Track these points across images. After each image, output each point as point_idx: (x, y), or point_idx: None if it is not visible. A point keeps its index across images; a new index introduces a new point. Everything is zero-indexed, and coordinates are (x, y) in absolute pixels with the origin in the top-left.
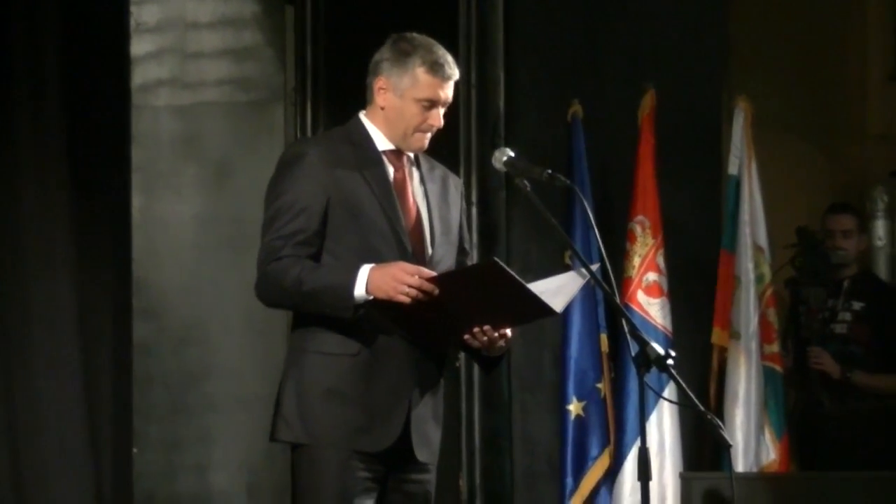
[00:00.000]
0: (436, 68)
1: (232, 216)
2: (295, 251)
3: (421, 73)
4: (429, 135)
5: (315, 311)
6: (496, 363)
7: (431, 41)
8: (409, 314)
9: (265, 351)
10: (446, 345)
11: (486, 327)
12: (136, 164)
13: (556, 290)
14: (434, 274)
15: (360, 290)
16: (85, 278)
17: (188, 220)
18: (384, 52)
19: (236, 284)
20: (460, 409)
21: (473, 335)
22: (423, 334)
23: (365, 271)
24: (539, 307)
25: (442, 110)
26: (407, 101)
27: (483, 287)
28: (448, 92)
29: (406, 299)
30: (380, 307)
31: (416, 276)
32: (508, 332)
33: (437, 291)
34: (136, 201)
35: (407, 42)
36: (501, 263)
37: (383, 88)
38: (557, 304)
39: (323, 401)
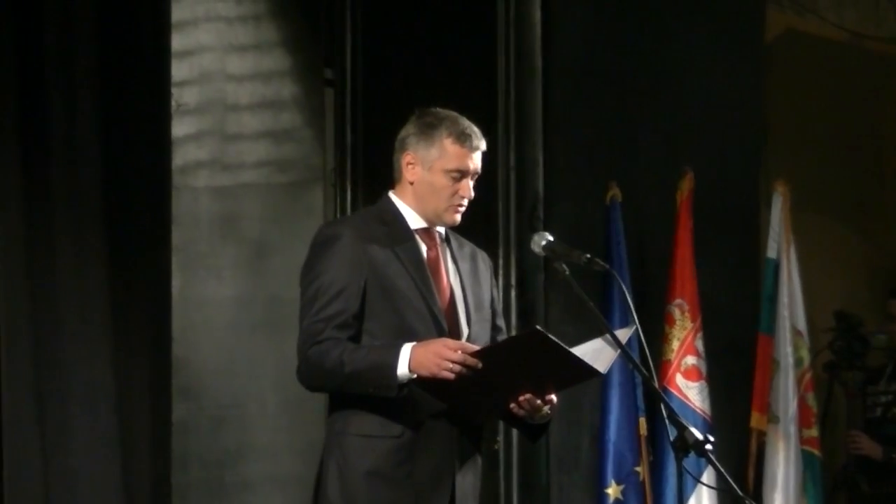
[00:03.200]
0: (463, 138)
1: (270, 297)
2: (335, 333)
3: (448, 143)
4: (462, 209)
5: (358, 391)
6: (542, 431)
7: (455, 113)
8: (452, 388)
9: (301, 431)
10: (490, 416)
11: (529, 395)
12: (176, 245)
13: (597, 353)
14: (477, 348)
15: (403, 369)
16: (123, 357)
17: (226, 300)
18: (409, 128)
19: (273, 364)
20: (499, 490)
21: (518, 404)
22: (467, 406)
23: (407, 350)
24: (583, 370)
25: (471, 182)
26: (436, 174)
27: (526, 356)
28: (477, 162)
29: (450, 375)
30: (423, 384)
31: (459, 352)
32: (553, 397)
33: (480, 365)
34: (176, 281)
35: (432, 115)
36: (543, 331)
37: (411, 163)
38: (601, 366)
39: (368, 483)
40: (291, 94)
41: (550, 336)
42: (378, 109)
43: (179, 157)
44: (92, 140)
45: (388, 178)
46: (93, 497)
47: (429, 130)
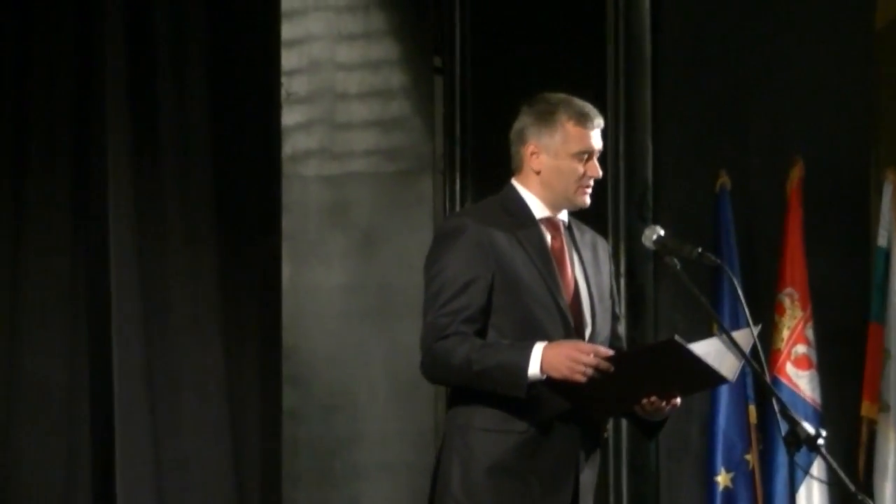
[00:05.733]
0: (583, 119)
1: (379, 285)
2: (461, 328)
3: (570, 126)
4: (590, 189)
5: (486, 389)
6: (658, 428)
7: (566, 95)
8: (581, 390)
9: (411, 418)
10: (614, 415)
11: (654, 398)
12: (286, 233)
13: (720, 356)
14: (610, 352)
15: (534, 370)
16: (234, 345)
17: (336, 288)
18: (525, 118)
19: (383, 352)
20: (608, 477)
21: (642, 406)
22: (592, 406)
23: (538, 350)
24: (712, 377)
25: (596, 160)
26: (563, 159)
27: (659, 363)
28: (598, 140)
29: (582, 379)
30: (552, 385)
31: (593, 356)
32: (678, 400)
33: (612, 369)
34: (286, 269)
35: (545, 102)
36: (681, 341)
37: (535, 153)
38: (728, 372)
39: (491, 478)
40: (400, 83)
41: (687, 346)
42: (487, 97)
43: (289, 146)
44: (203, 129)
45: (498, 165)
46: (204, 483)
47: (547, 117)
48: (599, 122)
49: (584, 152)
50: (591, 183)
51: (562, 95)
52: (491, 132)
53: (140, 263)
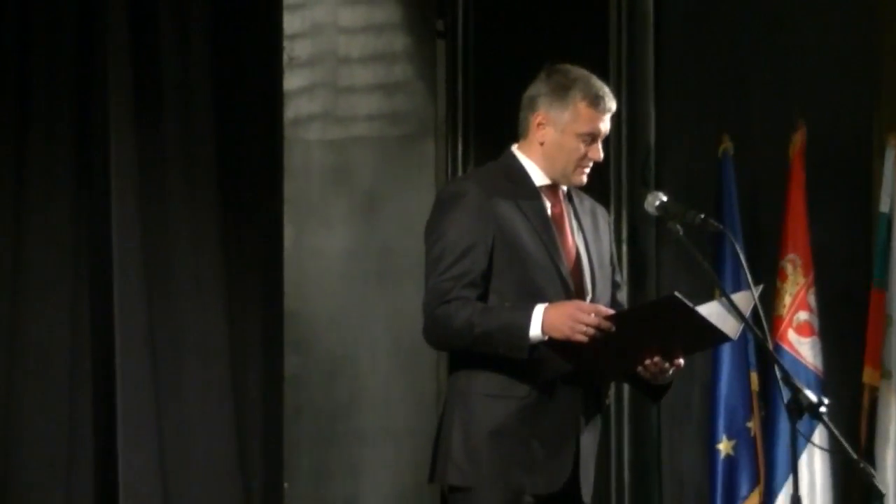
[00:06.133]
0: (597, 101)
1: (381, 248)
2: (463, 293)
3: (583, 107)
4: (588, 170)
5: (488, 352)
6: (663, 391)
7: (587, 73)
8: (583, 351)
9: (413, 383)
10: (617, 377)
11: (657, 359)
12: (288, 197)
13: (722, 317)
14: (611, 312)
15: (535, 331)
16: (236, 309)
17: (338, 251)
18: (540, 87)
19: (385, 316)
20: (609, 444)
21: (645, 367)
22: (595, 368)
23: (539, 311)
24: (714, 335)
25: (600, 144)
26: (568, 136)
27: (660, 321)
28: (607, 124)
29: (584, 338)
30: (554, 346)
31: (594, 315)
32: (681, 360)
33: (614, 329)
34: (288, 233)
35: (563, 75)
36: (681, 297)
37: (542, 123)
38: (731, 331)
39: (492, 442)
40: (403, 47)
41: (687, 302)
42: (489, 61)
43: (292, 110)
44: (205, 94)
45: (500, 129)
46: (206, 448)
47: (562, 91)
48: (612, 106)
49: (590, 134)
50: (591, 164)
51: (582, 72)
52: (493, 96)
53: (142, 228)
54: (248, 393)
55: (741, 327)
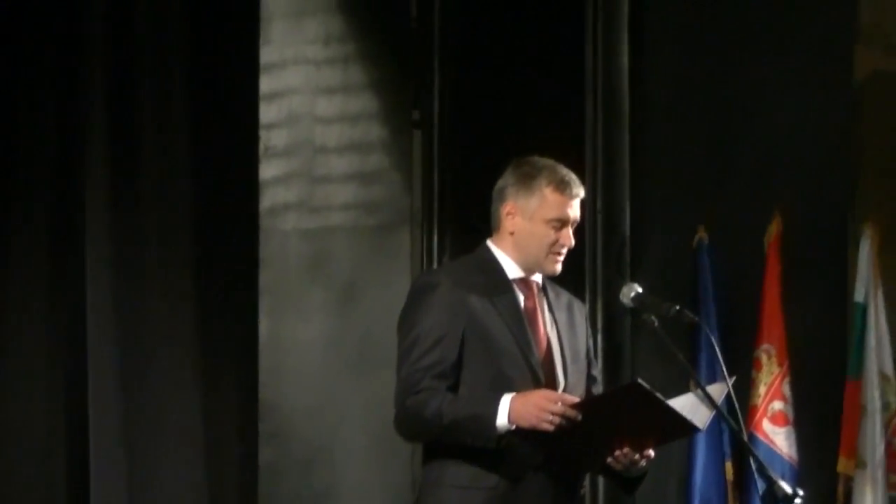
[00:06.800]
0: (562, 187)
1: (358, 339)
2: (433, 383)
3: (549, 192)
4: (561, 257)
5: (457, 442)
6: (637, 484)
7: (553, 162)
8: (550, 440)
9: (389, 473)
10: (588, 469)
11: (627, 449)
12: (264, 287)
13: (694, 408)
14: (576, 400)
15: (502, 420)
16: (211, 401)
17: (314, 342)
18: (508, 178)
19: (361, 407)
20: None
21: (615, 458)
22: (565, 459)
23: (507, 400)
24: (682, 425)
25: (571, 230)
26: (537, 223)
27: (625, 409)
28: (576, 210)
29: (550, 427)
30: (522, 435)
31: (559, 404)
32: (651, 452)
33: (580, 417)
34: (264, 324)
35: (530, 165)
36: (644, 384)
37: (511, 213)
38: (700, 422)
39: None
40: (379, 137)
41: (650, 389)
42: (465, 152)
43: (268, 200)
44: (182, 182)
45: (476, 220)
46: None
47: (528, 180)
48: (579, 192)
49: (558, 220)
50: (564, 251)
51: (548, 161)
52: (468, 187)
53: (118, 317)
54: (225, 485)
55: (710, 417)
